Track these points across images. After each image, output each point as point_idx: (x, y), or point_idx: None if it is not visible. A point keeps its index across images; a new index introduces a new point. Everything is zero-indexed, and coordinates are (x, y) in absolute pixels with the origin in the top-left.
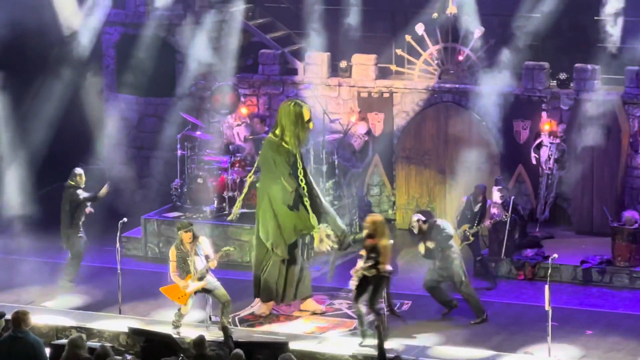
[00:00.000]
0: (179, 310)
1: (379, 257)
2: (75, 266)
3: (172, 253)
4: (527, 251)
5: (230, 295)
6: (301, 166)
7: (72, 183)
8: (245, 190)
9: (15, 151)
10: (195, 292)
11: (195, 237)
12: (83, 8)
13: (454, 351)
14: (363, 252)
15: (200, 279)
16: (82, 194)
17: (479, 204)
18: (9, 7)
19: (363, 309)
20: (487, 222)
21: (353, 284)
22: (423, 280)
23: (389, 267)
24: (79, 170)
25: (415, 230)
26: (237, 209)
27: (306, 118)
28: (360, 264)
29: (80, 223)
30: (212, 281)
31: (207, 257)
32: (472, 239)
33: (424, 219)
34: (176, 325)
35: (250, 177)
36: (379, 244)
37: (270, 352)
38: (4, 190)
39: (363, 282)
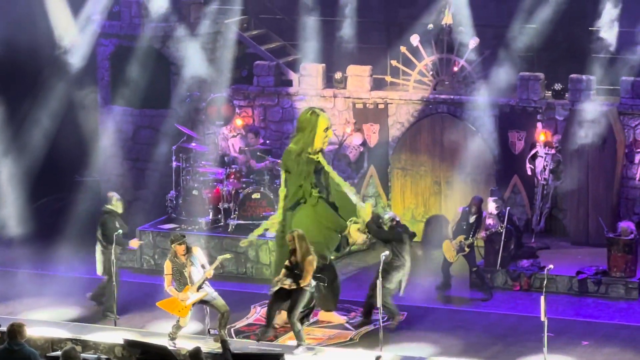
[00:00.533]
0: (178, 322)
1: (301, 273)
2: (110, 295)
3: (167, 266)
4: (523, 262)
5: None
6: (325, 171)
7: (109, 208)
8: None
9: (11, 164)
10: (194, 304)
11: (189, 249)
12: (78, 20)
13: None
14: (287, 263)
15: (198, 289)
16: (116, 230)
17: (475, 215)
18: (2, 20)
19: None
20: (483, 234)
21: (272, 290)
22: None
23: (312, 282)
24: (116, 195)
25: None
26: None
27: (324, 126)
28: (281, 276)
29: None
30: (210, 292)
31: (202, 267)
32: (467, 250)
33: (398, 219)
34: (172, 337)
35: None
36: (303, 260)
37: None
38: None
39: (282, 293)
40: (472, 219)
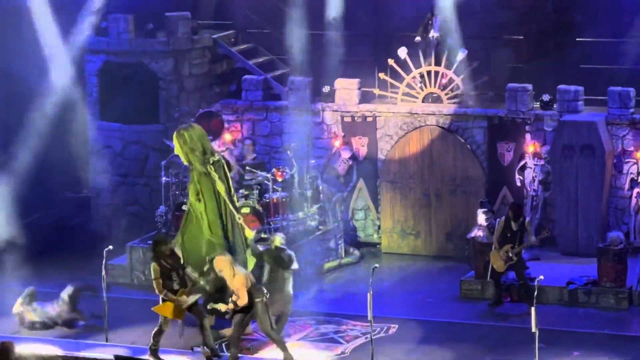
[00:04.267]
0: (160, 327)
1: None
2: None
3: (155, 270)
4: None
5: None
6: (199, 186)
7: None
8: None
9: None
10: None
11: (172, 250)
12: (65, 37)
13: None
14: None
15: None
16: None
17: (517, 222)
18: None
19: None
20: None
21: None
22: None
23: (247, 299)
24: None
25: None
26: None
27: (179, 143)
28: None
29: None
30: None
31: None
32: (515, 259)
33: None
34: (154, 349)
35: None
36: (232, 282)
37: None
38: None
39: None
40: (515, 227)
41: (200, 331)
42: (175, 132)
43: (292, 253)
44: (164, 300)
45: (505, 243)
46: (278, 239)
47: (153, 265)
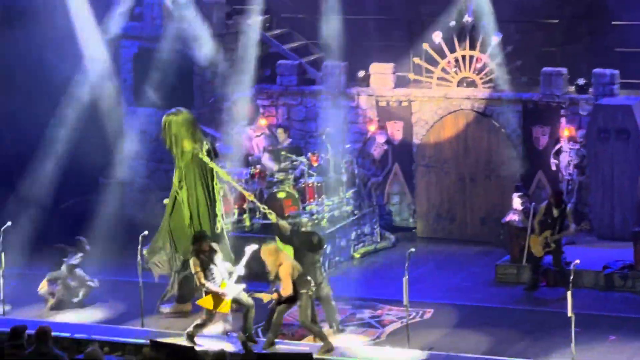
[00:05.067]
0: (203, 320)
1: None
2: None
3: (195, 264)
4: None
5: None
6: (182, 172)
7: None
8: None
9: (36, 167)
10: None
11: (211, 246)
12: (100, 22)
13: (477, 359)
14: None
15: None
16: None
17: (559, 209)
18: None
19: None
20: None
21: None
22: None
23: (295, 290)
24: None
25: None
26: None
27: (173, 127)
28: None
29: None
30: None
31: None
32: (553, 246)
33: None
34: (191, 335)
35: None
36: (279, 272)
37: None
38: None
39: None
40: (556, 213)
41: (244, 318)
42: (164, 116)
43: (322, 236)
44: (206, 294)
45: (545, 229)
46: (306, 222)
47: (193, 260)
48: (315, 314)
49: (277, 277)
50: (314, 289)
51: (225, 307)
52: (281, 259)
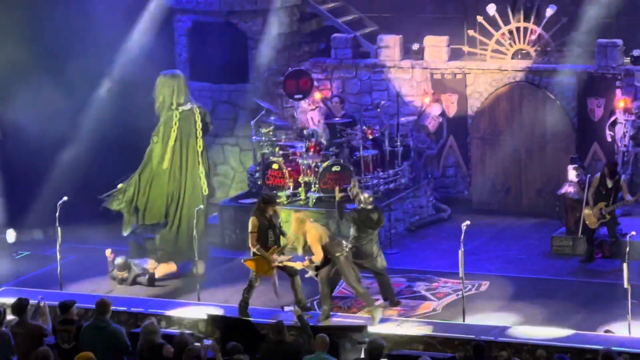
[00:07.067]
0: (250, 283)
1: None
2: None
3: (254, 224)
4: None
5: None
6: (161, 128)
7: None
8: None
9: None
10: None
11: (275, 210)
12: None
13: (533, 331)
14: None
15: (284, 252)
16: None
17: (613, 180)
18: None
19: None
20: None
21: (311, 274)
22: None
23: (322, 255)
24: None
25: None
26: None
27: (156, 89)
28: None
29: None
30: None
31: (280, 229)
32: (608, 217)
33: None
34: (244, 303)
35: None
36: (307, 240)
37: (351, 336)
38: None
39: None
40: (610, 184)
41: (292, 289)
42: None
43: (381, 212)
44: (254, 255)
45: (599, 200)
46: (367, 198)
47: (252, 219)
48: (358, 275)
49: (307, 245)
50: (347, 249)
51: (269, 272)
52: (307, 227)
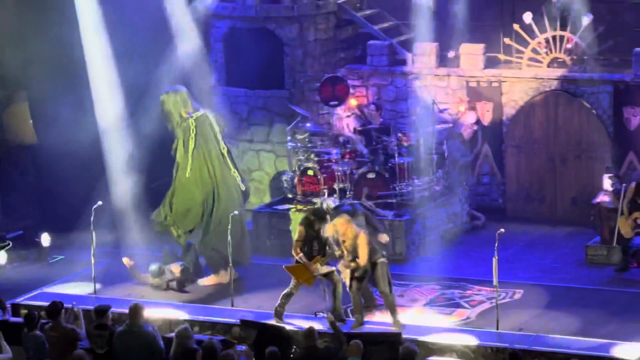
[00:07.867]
0: (290, 289)
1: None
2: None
3: (300, 233)
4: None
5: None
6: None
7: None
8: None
9: (129, 144)
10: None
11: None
12: (190, 2)
13: (567, 340)
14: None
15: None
16: None
17: None
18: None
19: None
20: None
21: (346, 283)
22: None
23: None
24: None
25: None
26: None
27: (164, 107)
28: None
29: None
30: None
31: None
32: None
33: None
34: (280, 311)
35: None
36: (357, 242)
37: (386, 344)
38: (117, 183)
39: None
40: None
41: (333, 297)
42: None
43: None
44: (297, 263)
45: (634, 210)
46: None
47: (300, 228)
48: (391, 282)
49: (352, 248)
50: (385, 254)
51: (309, 280)
52: (356, 229)
